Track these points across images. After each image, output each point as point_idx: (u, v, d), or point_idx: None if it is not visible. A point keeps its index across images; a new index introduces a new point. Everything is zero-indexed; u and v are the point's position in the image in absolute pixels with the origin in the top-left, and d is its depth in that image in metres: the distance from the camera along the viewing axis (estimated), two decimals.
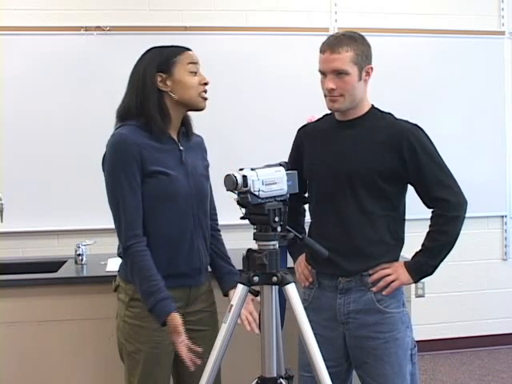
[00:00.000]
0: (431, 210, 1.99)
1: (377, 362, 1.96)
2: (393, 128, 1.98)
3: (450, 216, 1.95)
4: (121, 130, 1.87)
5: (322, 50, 1.96)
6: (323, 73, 1.97)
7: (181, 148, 1.94)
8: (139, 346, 1.87)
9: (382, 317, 1.97)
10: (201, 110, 1.95)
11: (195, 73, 1.91)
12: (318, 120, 2.16)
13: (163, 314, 1.79)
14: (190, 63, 1.90)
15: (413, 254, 2.01)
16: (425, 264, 1.96)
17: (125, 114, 1.91)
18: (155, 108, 1.87)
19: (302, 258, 2.15)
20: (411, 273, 1.97)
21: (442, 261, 1.96)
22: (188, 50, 1.93)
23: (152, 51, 1.94)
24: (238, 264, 1.77)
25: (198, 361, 1.76)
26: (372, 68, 1.98)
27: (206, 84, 1.92)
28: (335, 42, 1.93)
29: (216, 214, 2.12)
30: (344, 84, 1.93)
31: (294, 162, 2.10)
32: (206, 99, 1.93)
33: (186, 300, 1.94)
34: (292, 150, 2.20)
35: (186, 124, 2.00)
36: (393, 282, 1.96)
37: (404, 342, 1.98)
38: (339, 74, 1.92)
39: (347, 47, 1.92)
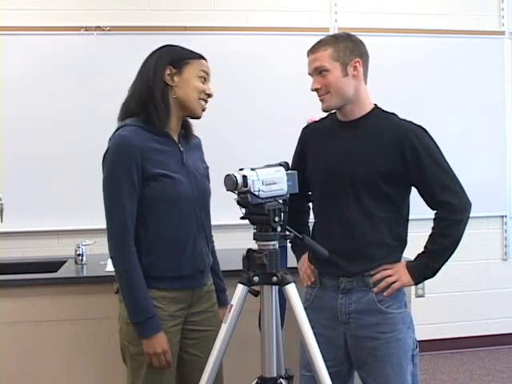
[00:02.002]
0: (434, 212, 1.99)
1: (377, 362, 1.96)
2: (396, 129, 1.97)
3: (453, 219, 1.93)
4: (122, 131, 1.85)
5: (307, 54, 2.01)
6: (310, 75, 2.00)
7: (181, 149, 1.94)
8: (144, 348, 1.87)
9: (383, 317, 1.96)
10: (197, 117, 1.96)
11: (204, 80, 1.92)
12: (323, 119, 2.16)
13: (153, 330, 1.82)
14: (202, 70, 1.92)
15: (415, 254, 2.00)
16: (426, 266, 1.95)
17: (139, 101, 1.90)
18: (160, 97, 1.87)
19: (304, 257, 2.15)
20: (412, 275, 1.96)
21: (443, 264, 1.95)
22: (204, 59, 1.95)
23: (169, 46, 1.95)
24: (238, 264, 1.77)
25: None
26: (360, 62, 1.96)
27: (209, 95, 1.93)
28: (316, 44, 1.98)
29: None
30: (326, 81, 1.94)
31: (299, 161, 2.11)
32: (204, 109, 1.94)
33: (190, 301, 1.94)
34: (296, 148, 2.20)
35: (185, 126, 1.99)
36: (394, 282, 1.96)
37: (405, 342, 1.98)
38: (320, 72, 1.95)
39: (325, 46, 1.95)
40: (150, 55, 1.95)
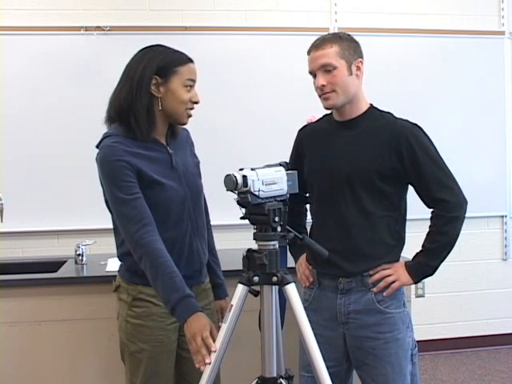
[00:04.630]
0: (431, 210, 1.99)
1: (377, 362, 1.96)
2: (392, 127, 1.97)
3: (450, 216, 1.94)
4: (107, 141, 1.82)
5: (308, 51, 1.99)
6: (313, 73, 1.98)
7: (170, 152, 1.91)
8: (142, 346, 1.87)
9: (382, 317, 1.96)
10: (182, 124, 1.93)
11: (190, 88, 1.87)
12: (318, 120, 2.16)
13: (187, 311, 1.71)
14: (189, 79, 1.86)
15: (413, 254, 2.01)
16: (425, 265, 1.96)
17: (118, 111, 1.86)
18: (144, 110, 1.83)
19: (302, 258, 2.15)
20: (411, 274, 1.97)
21: (442, 261, 1.95)
22: (191, 61, 1.89)
23: (156, 50, 1.89)
24: (238, 264, 1.77)
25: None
26: (362, 62, 1.97)
27: (196, 103, 1.89)
28: (319, 41, 1.96)
29: (207, 210, 2.10)
30: (333, 78, 1.93)
31: (295, 163, 2.10)
32: (190, 116, 1.90)
33: None
34: (292, 150, 2.19)
35: (172, 126, 1.95)
36: (393, 282, 1.96)
37: (405, 342, 1.98)
38: (327, 69, 1.93)
39: (331, 43, 1.94)
40: (135, 59, 1.88)
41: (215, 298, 2.08)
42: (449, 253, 1.95)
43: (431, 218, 1.98)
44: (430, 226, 1.98)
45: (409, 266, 1.98)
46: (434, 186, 1.94)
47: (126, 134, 1.84)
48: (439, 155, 1.98)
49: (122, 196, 1.79)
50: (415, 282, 2.00)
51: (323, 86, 1.94)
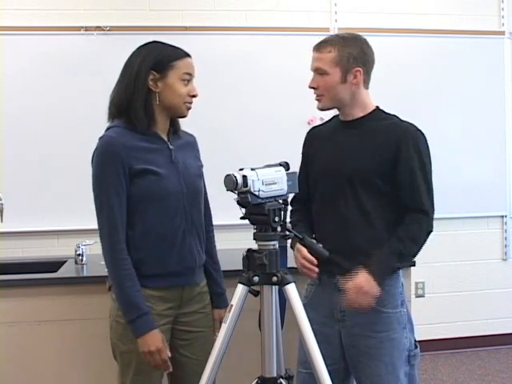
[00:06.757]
0: (402, 215, 1.96)
1: (370, 361, 1.96)
2: (394, 128, 1.97)
3: (418, 225, 1.93)
4: (109, 132, 1.86)
5: (313, 49, 2.00)
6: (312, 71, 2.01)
7: (170, 147, 1.92)
8: (132, 346, 1.86)
9: (377, 316, 1.96)
10: (183, 117, 1.95)
11: (187, 82, 1.89)
12: (327, 122, 2.18)
13: (146, 327, 1.80)
14: (186, 73, 1.88)
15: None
16: (385, 266, 1.94)
17: (118, 107, 1.89)
18: (141, 105, 1.85)
19: (300, 247, 2.12)
20: (376, 279, 1.90)
21: (401, 264, 1.96)
22: (188, 56, 1.91)
23: (152, 46, 1.92)
24: (238, 264, 1.77)
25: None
26: (361, 71, 1.95)
27: (194, 96, 1.91)
28: (323, 42, 1.97)
29: (210, 216, 2.11)
30: (324, 83, 1.95)
31: (305, 166, 2.11)
32: (189, 108, 1.92)
33: (179, 300, 1.93)
34: (302, 153, 2.19)
35: (173, 123, 1.98)
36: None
37: (400, 342, 1.97)
38: (321, 73, 1.95)
39: (331, 47, 1.93)
40: (133, 56, 1.92)
41: (215, 306, 2.06)
42: (410, 259, 1.99)
43: (399, 224, 1.95)
44: (396, 231, 1.95)
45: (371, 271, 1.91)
46: (412, 193, 1.93)
47: (127, 126, 1.86)
48: (430, 167, 1.97)
49: (101, 197, 1.83)
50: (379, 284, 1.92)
51: (313, 87, 1.98)
